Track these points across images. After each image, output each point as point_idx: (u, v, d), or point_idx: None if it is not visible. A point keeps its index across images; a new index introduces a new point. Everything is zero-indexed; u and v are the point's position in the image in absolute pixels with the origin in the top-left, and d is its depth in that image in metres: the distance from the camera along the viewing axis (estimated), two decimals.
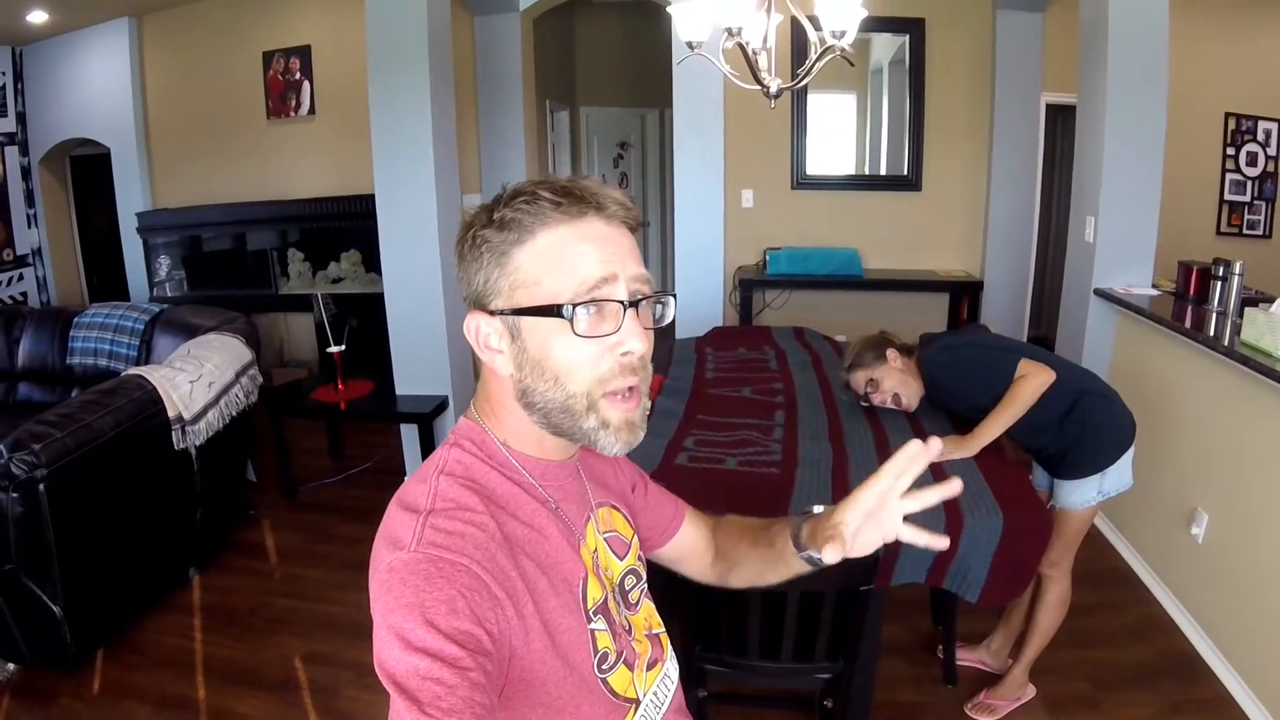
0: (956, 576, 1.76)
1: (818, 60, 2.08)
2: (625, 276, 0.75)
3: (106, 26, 5.16)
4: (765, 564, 0.99)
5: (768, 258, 4.70)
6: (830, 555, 0.85)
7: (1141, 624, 2.61)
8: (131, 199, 5.38)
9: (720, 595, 1.27)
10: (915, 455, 0.81)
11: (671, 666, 0.95)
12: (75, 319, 3.73)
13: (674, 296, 0.83)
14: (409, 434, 3.65)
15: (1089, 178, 3.23)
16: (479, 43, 5.05)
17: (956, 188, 4.79)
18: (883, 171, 4.99)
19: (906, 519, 0.85)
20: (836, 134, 5.01)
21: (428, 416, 3.46)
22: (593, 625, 0.80)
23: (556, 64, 6.17)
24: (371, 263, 4.93)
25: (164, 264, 5.37)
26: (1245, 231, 4.90)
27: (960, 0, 4.58)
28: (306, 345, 5.30)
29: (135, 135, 5.30)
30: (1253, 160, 4.84)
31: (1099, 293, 3.17)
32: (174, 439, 2.75)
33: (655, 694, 0.89)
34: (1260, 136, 4.81)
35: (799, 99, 4.75)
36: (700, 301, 4.83)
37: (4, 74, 5.28)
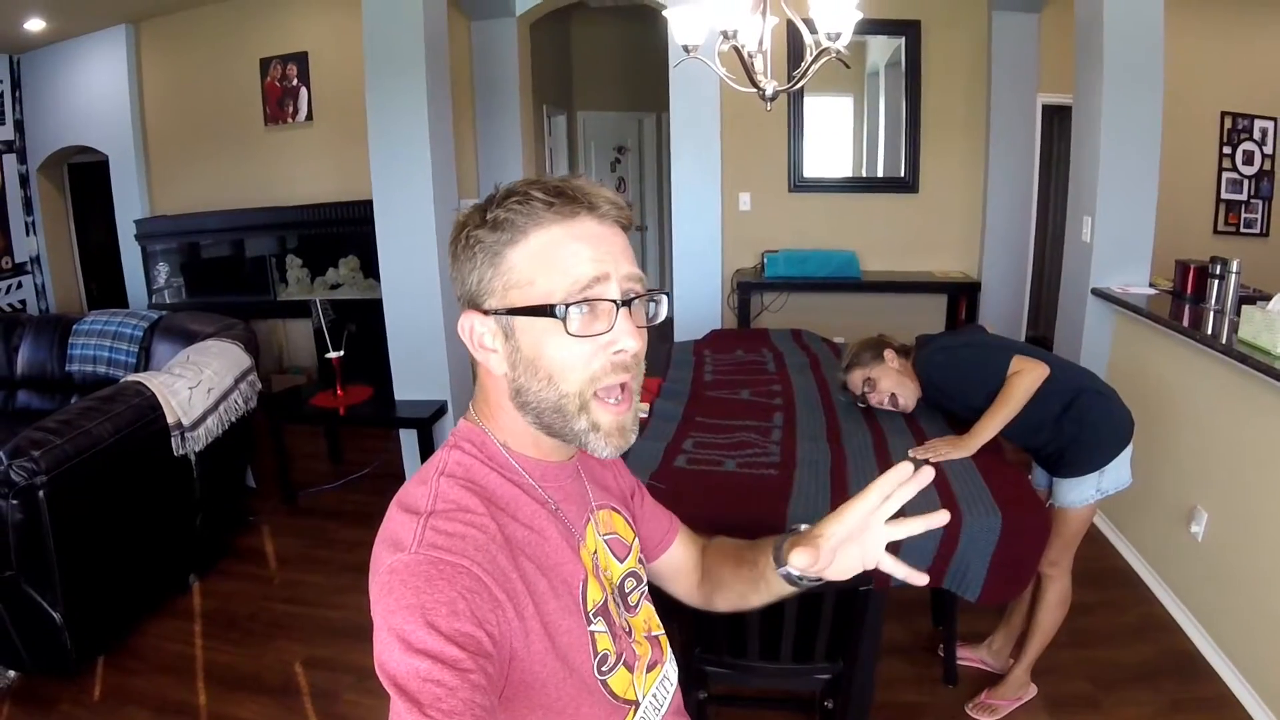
0: (956, 576, 1.76)
1: (813, 62, 2.09)
2: (618, 275, 0.76)
3: (104, 34, 5.16)
4: (748, 585, 0.98)
5: (765, 260, 4.70)
6: (796, 559, 0.85)
7: (1142, 623, 2.61)
8: (130, 206, 5.39)
9: None
10: (903, 479, 0.81)
11: (671, 668, 0.95)
12: (74, 326, 3.74)
13: (667, 294, 0.83)
14: (408, 439, 3.65)
15: (1086, 178, 3.23)
16: (476, 48, 5.06)
17: (954, 189, 4.80)
18: (880, 173, 5.00)
19: (889, 548, 0.84)
20: (833, 136, 5.02)
21: (427, 421, 3.46)
22: (592, 627, 0.80)
23: (553, 68, 6.18)
24: (370, 268, 4.92)
25: (162, 271, 5.37)
26: (1242, 230, 4.91)
27: (956, 2, 4.59)
28: (305, 351, 5.30)
29: (133, 142, 5.30)
30: (1249, 159, 4.85)
31: (1096, 292, 3.17)
32: (173, 445, 2.75)
33: (654, 696, 0.89)
34: (1256, 135, 4.83)
35: (796, 102, 4.77)
36: (698, 304, 4.83)
37: (2, 82, 5.29)
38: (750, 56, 2.15)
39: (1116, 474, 2.01)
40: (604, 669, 0.81)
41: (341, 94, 4.85)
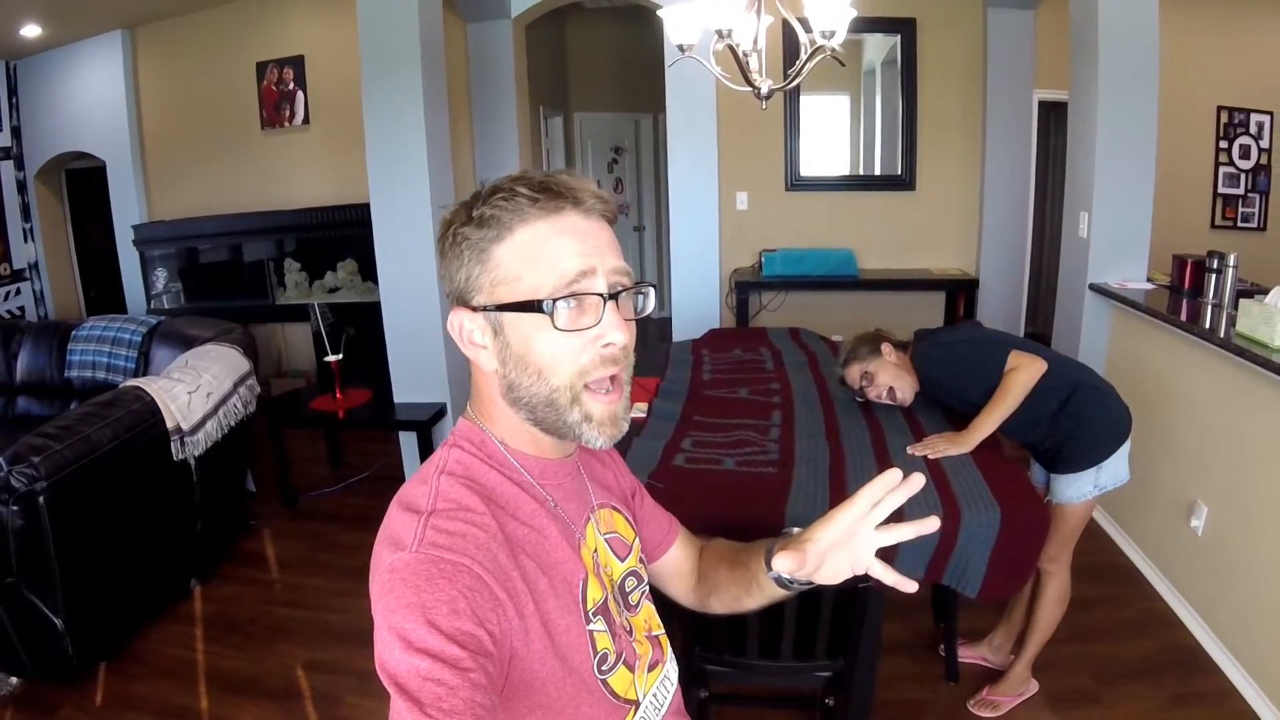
0: (955, 572, 1.76)
1: (808, 61, 2.09)
2: (604, 269, 0.76)
3: (100, 39, 5.17)
4: (742, 588, 0.98)
5: (763, 259, 4.71)
6: (780, 563, 0.86)
7: (1143, 618, 2.61)
8: (127, 212, 5.39)
9: None
10: (892, 486, 0.81)
11: (671, 668, 0.95)
12: (73, 332, 3.73)
13: (654, 287, 0.84)
14: (408, 441, 3.65)
15: (1082, 174, 3.24)
16: (472, 49, 5.06)
17: (950, 186, 4.81)
18: (877, 171, 5.00)
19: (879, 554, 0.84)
20: (830, 135, 5.02)
21: (426, 424, 3.46)
22: (591, 626, 0.80)
23: (549, 70, 6.18)
24: (368, 271, 4.93)
25: (161, 276, 5.37)
26: (1239, 224, 4.92)
27: None
28: (304, 355, 5.30)
29: (130, 148, 5.31)
30: (1245, 153, 4.86)
31: (1094, 288, 3.18)
32: (173, 450, 2.75)
33: (655, 695, 0.89)
34: (1252, 129, 4.83)
35: (792, 101, 4.77)
36: (696, 304, 4.83)
37: None
38: (745, 55, 2.15)
39: (1114, 470, 2.01)
40: (604, 668, 0.81)
41: (338, 97, 4.86)
